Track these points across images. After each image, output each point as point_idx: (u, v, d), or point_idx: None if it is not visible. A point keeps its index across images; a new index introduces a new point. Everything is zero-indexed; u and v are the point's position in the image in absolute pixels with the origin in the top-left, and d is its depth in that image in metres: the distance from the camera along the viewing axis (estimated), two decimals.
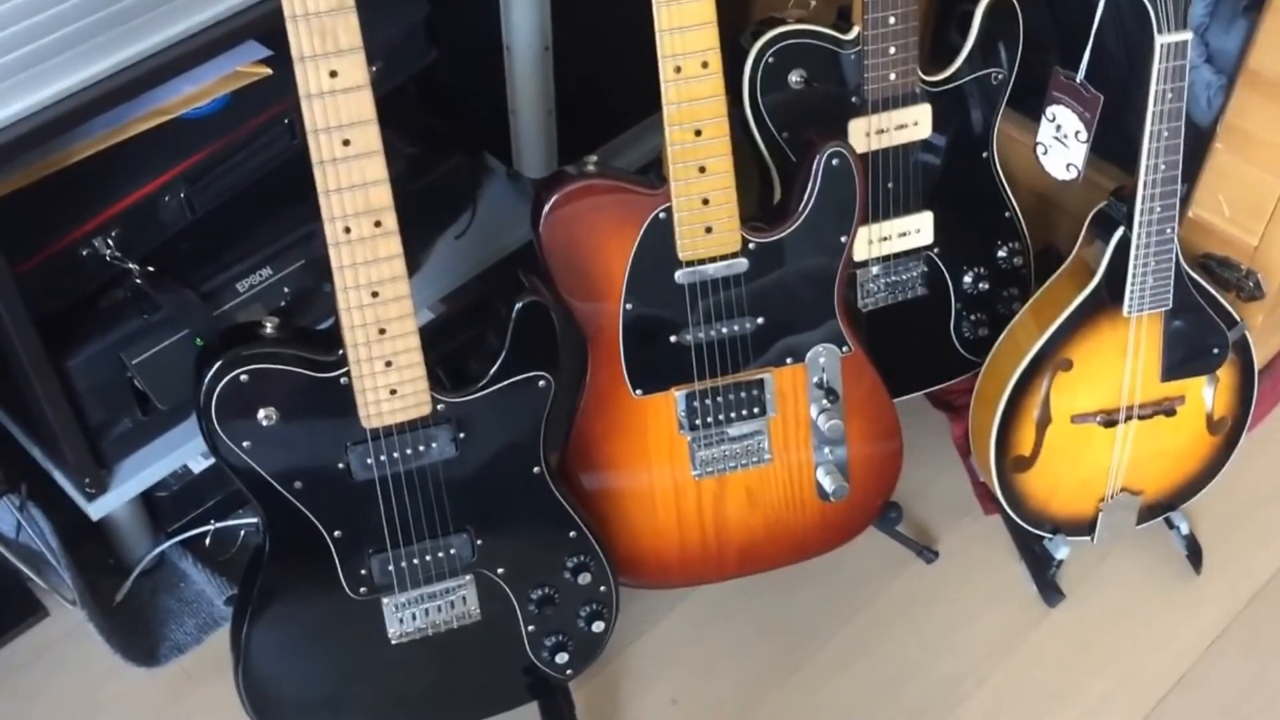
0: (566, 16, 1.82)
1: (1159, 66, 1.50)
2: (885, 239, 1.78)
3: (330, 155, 1.26)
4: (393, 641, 1.52)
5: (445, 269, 1.95)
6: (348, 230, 1.30)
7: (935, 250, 1.81)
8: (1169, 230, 1.60)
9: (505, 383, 1.42)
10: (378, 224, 1.30)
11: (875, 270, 1.80)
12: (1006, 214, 1.82)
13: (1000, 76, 1.73)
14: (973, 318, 1.87)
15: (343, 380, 1.36)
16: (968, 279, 1.84)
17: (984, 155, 1.77)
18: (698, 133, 1.45)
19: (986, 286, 1.85)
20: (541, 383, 1.43)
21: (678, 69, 1.41)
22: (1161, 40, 1.49)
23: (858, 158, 1.52)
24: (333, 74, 1.23)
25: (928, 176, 1.76)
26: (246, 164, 1.67)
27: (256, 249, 1.69)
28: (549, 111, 1.90)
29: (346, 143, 1.26)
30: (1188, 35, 1.49)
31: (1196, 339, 1.70)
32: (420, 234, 1.94)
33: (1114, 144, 1.71)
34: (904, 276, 1.81)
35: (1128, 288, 1.63)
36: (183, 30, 1.48)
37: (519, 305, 1.41)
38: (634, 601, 1.77)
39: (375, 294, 1.33)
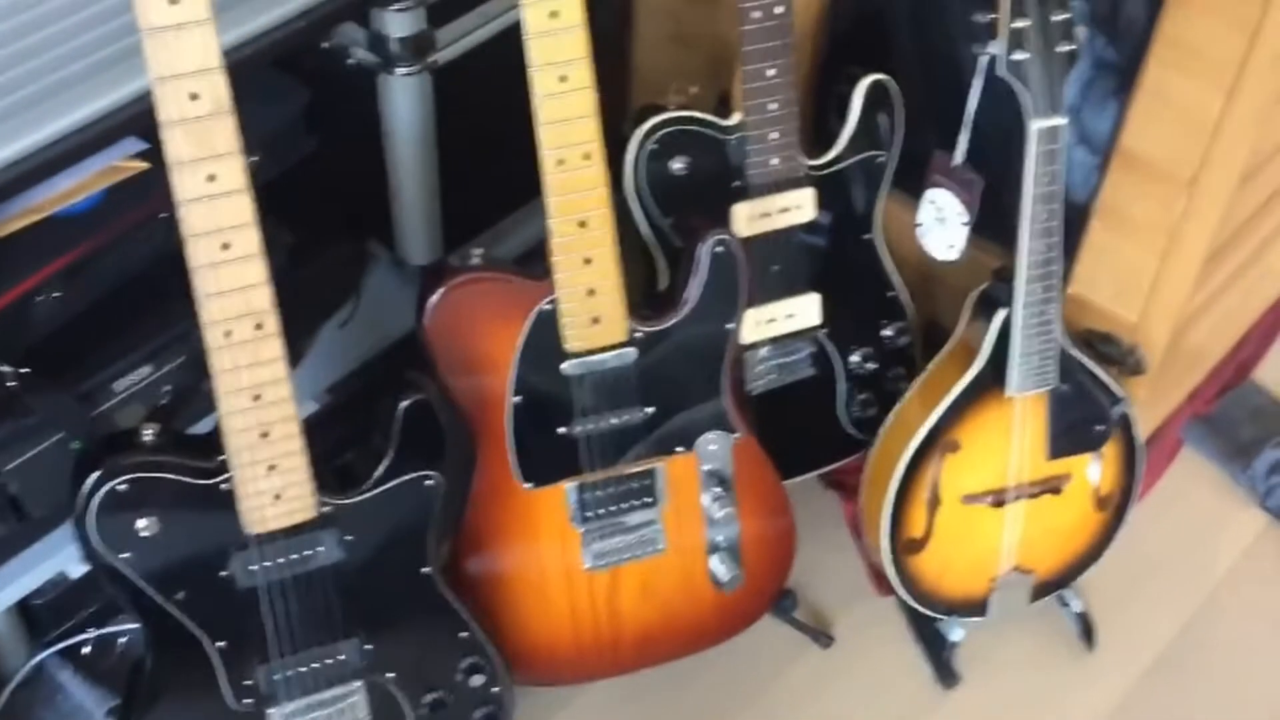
0: (449, 101, 1.80)
1: (1034, 151, 1.52)
2: (772, 321, 1.78)
3: (209, 259, 1.24)
4: None
5: (330, 359, 1.91)
6: (228, 334, 1.27)
7: (822, 331, 1.81)
8: (1050, 311, 1.62)
9: (392, 483, 1.40)
10: (259, 326, 1.28)
11: (763, 352, 1.80)
12: (890, 294, 1.84)
13: (882, 159, 1.74)
14: (861, 397, 1.88)
15: (224, 486, 1.33)
16: (854, 359, 1.85)
17: (866, 236, 1.79)
18: (582, 224, 1.44)
19: (874, 366, 1.86)
20: (429, 482, 1.41)
21: (560, 161, 1.41)
22: (1035, 125, 1.51)
23: (741, 245, 1.52)
24: (210, 178, 1.21)
25: (812, 258, 1.76)
26: (123, 261, 1.63)
27: (134, 347, 1.64)
28: (433, 197, 1.88)
29: (226, 246, 1.24)
30: (1062, 120, 1.52)
31: (1080, 416, 1.72)
32: (303, 323, 1.90)
33: (994, 221, 1.72)
34: (792, 358, 1.82)
35: (1011, 368, 1.64)
36: (58, 129, 1.43)
37: (404, 404, 1.38)
38: (527, 698, 1.73)
39: (257, 397, 1.30)
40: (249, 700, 1.44)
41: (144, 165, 1.60)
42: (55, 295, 1.57)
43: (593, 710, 1.79)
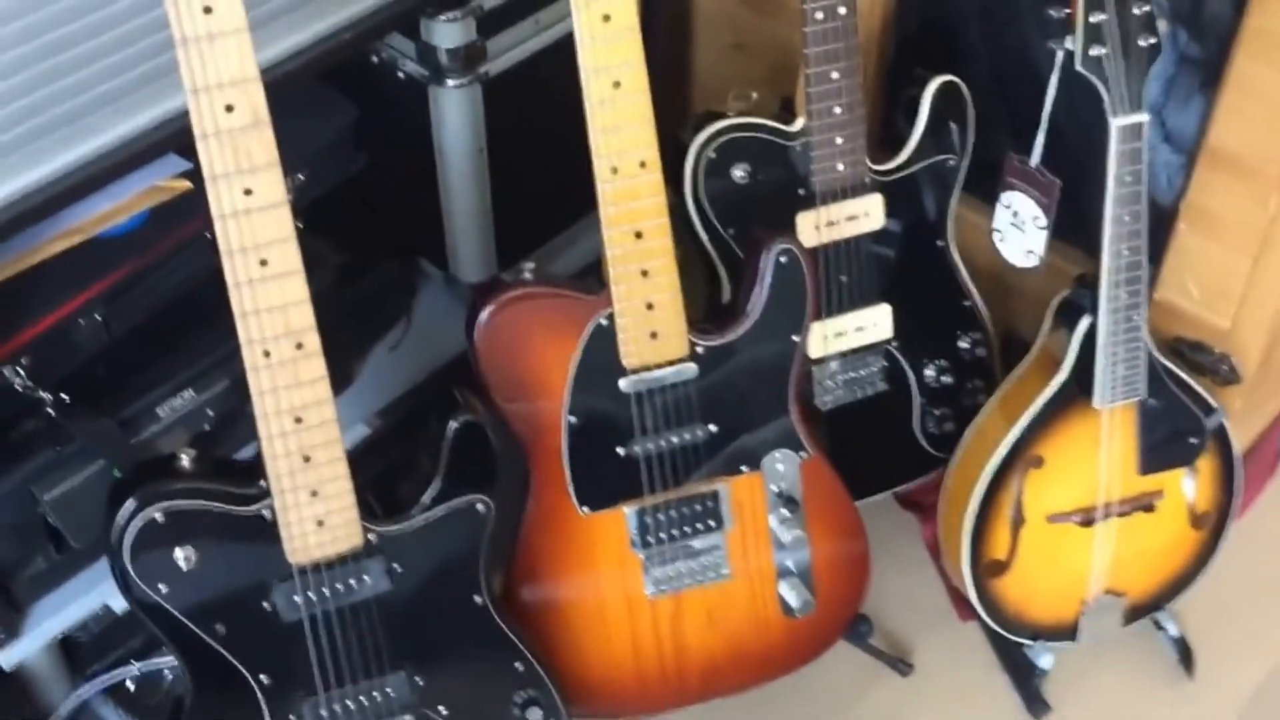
0: (501, 114, 1.74)
1: (1115, 150, 1.44)
2: (841, 335, 1.70)
3: (247, 276, 1.18)
4: None
5: (381, 382, 1.85)
6: (267, 354, 1.21)
7: (894, 344, 1.73)
8: (1137, 317, 1.53)
9: (441, 509, 1.33)
10: (299, 346, 1.22)
11: (832, 367, 1.72)
12: (966, 303, 1.75)
13: (952, 162, 1.66)
14: (937, 412, 1.79)
15: (265, 514, 1.27)
16: (929, 372, 1.77)
17: (939, 244, 1.70)
18: (638, 235, 1.37)
19: (950, 379, 1.77)
20: (480, 507, 1.34)
21: (614, 169, 1.34)
22: (1116, 123, 1.43)
23: (807, 254, 1.45)
24: (248, 192, 1.15)
25: (882, 268, 1.68)
26: (166, 282, 1.58)
27: (178, 371, 1.59)
28: (485, 213, 1.81)
29: (264, 262, 1.18)
30: (1144, 117, 1.43)
31: (1172, 428, 1.62)
32: (352, 345, 1.85)
33: (1075, 225, 1.63)
34: (863, 372, 1.73)
35: (1097, 378, 1.55)
36: (99, 146, 1.39)
37: (453, 425, 1.32)
38: None
39: (299, 420, 1.24)
40: None
41: (186, 185, 1.55)
42: (97, 318, 1.52)
43: None
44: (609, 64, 1.30)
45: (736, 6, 2.00)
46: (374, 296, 1.86)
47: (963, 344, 1.77)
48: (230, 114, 1.13)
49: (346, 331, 1.80)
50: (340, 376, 1.79)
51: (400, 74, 1.72)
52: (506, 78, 1.73)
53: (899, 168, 1.64)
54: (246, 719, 1.36)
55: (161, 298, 1.58)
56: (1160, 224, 1.71)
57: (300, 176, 1.64)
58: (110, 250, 1.53)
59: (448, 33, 1.64)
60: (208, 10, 1.09)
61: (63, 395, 1.50)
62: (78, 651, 1.67)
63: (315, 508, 1.27)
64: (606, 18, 1.29)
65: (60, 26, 1.29)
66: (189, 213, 1.55)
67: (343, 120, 1.71)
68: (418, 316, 1.91)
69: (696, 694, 1.64)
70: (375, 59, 1.74)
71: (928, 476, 1.83)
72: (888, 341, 1.72)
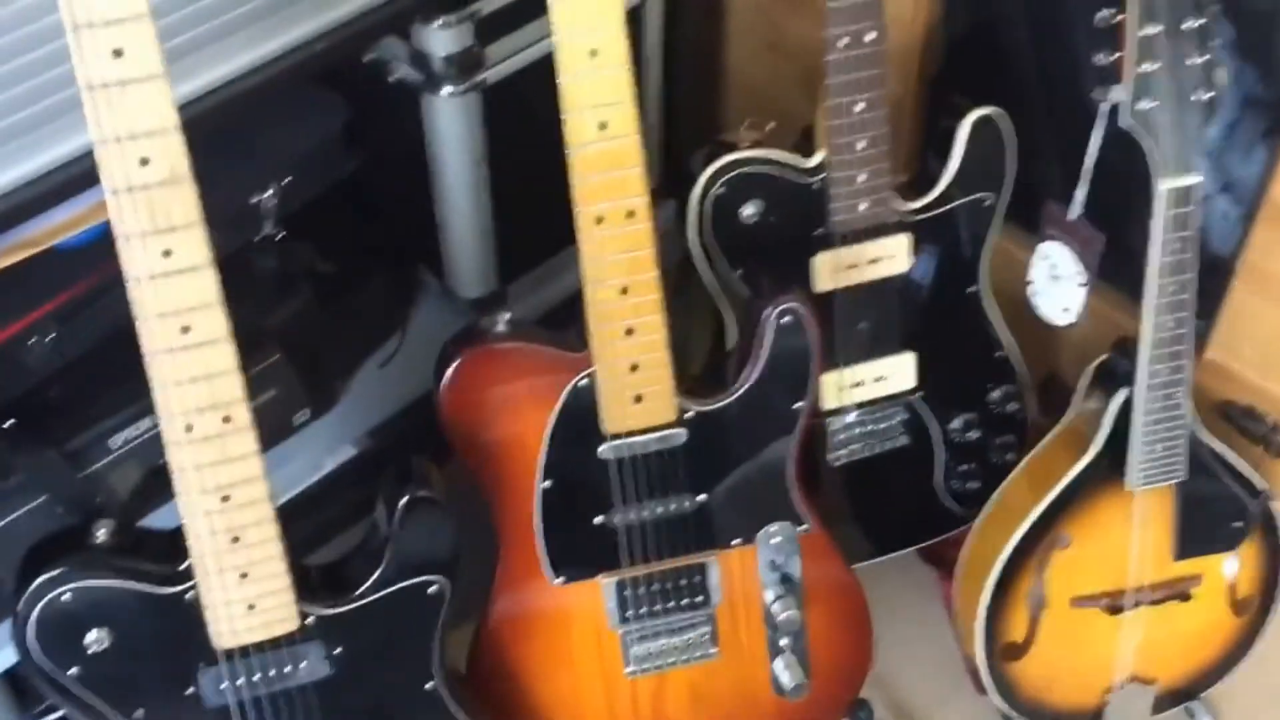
0: (502, 124, 1.60)
1: (1162, 214, 1.28)
2: (859, 385, 1.56)
3: (165, 344, 1.05)
4: None
5: (371, 399, 1.73)
6: (189, 428, 1.08)
7: (918, 395, 1.58)
8: (1179, 395, 1.38)
9: (389, 590, 1.21)
10: (226, 420, 1.09)
11: (849, 419, 1.58)
12: (999, 353, 1.60)
13: (989, 202, 1.51)
14: (962, 469, 1.65)
15: (189, 595, 1.15)
16: (955, 425, 1.62)
17: (971, 289, 1.55)
18: (624, 290, 1.23)
19: (977, 435, 1.63)
20: (433, 589, 1.22)
21: (599, 219, 1.20)
22: (1164, 185, 1.27)
23: (811, 315, 1.30)
24: (166, 253, 1.02)
25: (907, 314, 1.54)
26: (125, 301, 1.45)
27: (135, 398, 1.47)
28: (485, 227, 1.68)
29: (185, 329, 1.05)
30: (1197, 179, 1.27)
31: (1214, 512, 1.47)
32: (341, 360, 1.73)
33: (1126, 272, 1.47)
34: (882, 425, 1.59)
35: (1131, 459, 1.40)
36: (57, 157, 1.28)
37: (404, 501, 1.19)
38: None
39: (226, 498, 1.12)
40: None
41: None
42: (49, 338, 1.41)
43: None
44: (594, 104, 1.16)
45: (771, 3, 1.84)
46: (366, 308, 1.74)
47: (993, 396, 1.62)
48: (146, 168, 1.00)
49: (335, 345, 1.69)
50: (324, 395, 1.69)
51: (392, 78, 1.57)
52: (507, 85, 1.59)
53: (930, 205, 1.49)
54: None
55: (120, 317, 1.44)
56: (1215, 276, 1.55)
57: (285, 180, 1.53)
58: (66, 264, 1.42)
59: (442, 39, 1.51)
60: (118, 54, 0.96)
61: (8, 421, 1.40)
62: (23, 686, 1.57)
63: (245, 590, 1.16)
64: (594, 53, 1.15)
65: (19, 27, 1.18)
66: None
67: (333, 122, 1.59)
68: (413, 331, 1.78)
69: None
70: (367, 59, 1.59)
71: (950, 534, 1.68)
72: (910, 393, 1.58)
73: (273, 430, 1.60)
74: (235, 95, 1.34)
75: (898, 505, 1.67)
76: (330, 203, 1.66)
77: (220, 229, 1.50)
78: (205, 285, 1.05)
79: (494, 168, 1.64)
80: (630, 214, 1.21)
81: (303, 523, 1.55)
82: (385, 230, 1.78)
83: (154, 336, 1.06)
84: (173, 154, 1.01)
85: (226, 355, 1.07)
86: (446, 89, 1.54)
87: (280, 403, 1.58)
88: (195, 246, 1.04)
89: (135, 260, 1.03)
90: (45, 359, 1.42)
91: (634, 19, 1.71)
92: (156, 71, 0.98)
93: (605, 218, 1.20)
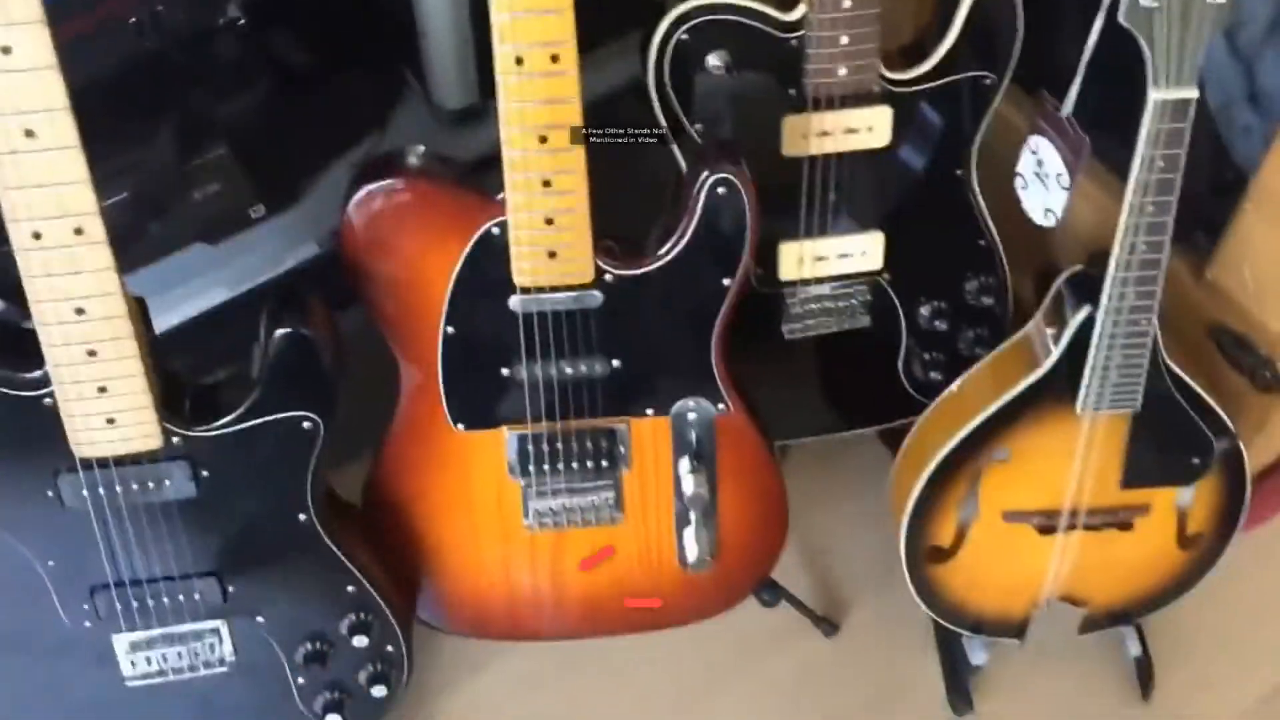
0: None
1: (1149, 127, 1.16)
2: (821, 259, 1.46)
3: (9, 147, 1.00)
4: (129, 683, 1.31)
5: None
6: (37, 235, 1.04)
7: (885, 277, 1.49)
8: (1145, 322, 1.27)
9: (258, 420, 1.17)
10: (78, 231, 1.04)
11: (807, 293, 1.49)
12: (981, 242, 1.49)
13: (989, 81, 1.39)
14: (927, 357, 1.56)
15: (46, 401, 1.12)
16: (924, 312, 1.53)
17: (958, 172, 1.44)
18: (543, 139, 1.15)
19: (945, 324, 1.53)
20: (306, 424, 1.18)
21: (518, 60, 1.11)
22: (1156, 96, 1.15)
23: (752, 187, 1.21)
24: (5, 50, 0.96)
25: (882, 191, 1.44)
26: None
27: None
28: (464, 36, 1.59)
29: (30, 133, 0.99)
30: (1193, 93, 1.15)
31: (1171, 445, 1.38)
32: (310, 155, 1.66)
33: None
34: (843, 304, 1.50)
35: (1084, 382, 1.31)
36: None
37: (279, 334, 1.14)
38: (457, 646, 1.52)
39: (80, 310, 1.07)
40: (88, 624, 1.26)
41: None
42: None
43: (529, 673, 1.56)
44: None
45: None
46: (338, 106, 1.67)
47: (969, 286, 1.52)
48: None
49: (294, 142, 1.63)
50: (281, 192, 1.64)
51: None
52: None
53: (920, 79, 1.38)
54: (34, 601, 1.24)
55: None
56: (1229, 192, 1.43)
57: None
58: None
59: None
60: None
61: None
62: None
63: (103, 404, 1.12)
64: None
65: None
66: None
67: None
68: (395, 134, 1.71)
69: (574, 629, 1.50)
70: None
71: (910, 419, 1.60)
72: (876, 274, 1.48)
73: (220, 222, 1.55)
74: None
75: (857, 385, 1.60)
76: None
77: (177, 7, 1.46)
78: (50, 87, 0.98)
79: None
80: (554, 58, 1.12)
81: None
82: (369, 29, 1.70)
83: None
84: None
85: (75, 165, 1.02)
86: None
87: (225, 196, 1.52)
88: (38, 45, 0.97)
89: None
90: None
91: None
92: None
93: (525, 59, 1.11)
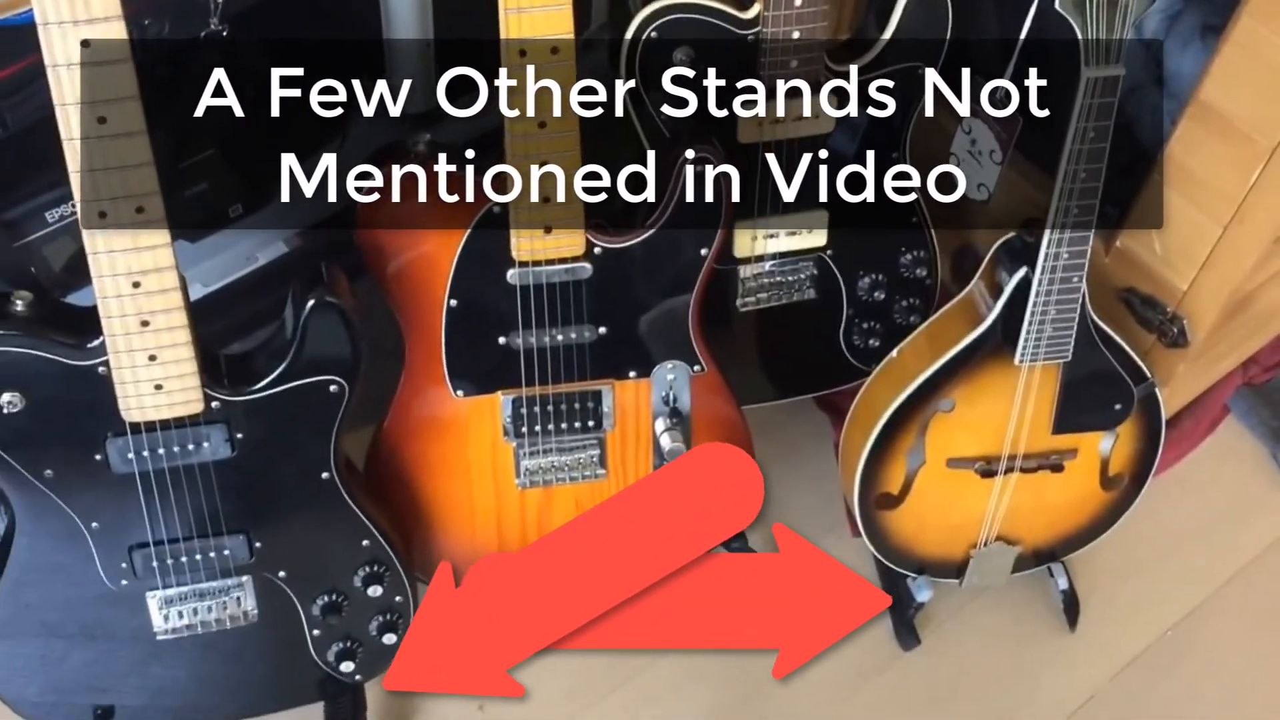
0: None
1: (1082, 102, 1.32)
2: (772, 236, 1.61)
3: (83, 133, 1.10)
4: (158, 637, 1.40)
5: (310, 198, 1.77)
6: (103, 215, 1.14)
7: (828, 252, 1.64)
8: (1076, 279, 1.43)
9: (290, 385, 1.28)
10: (139, 210, 1.14)
11: (758, 269, 1.63)
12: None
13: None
14: (865, 326, 1.71)
15: (100, 370, 1.22)
16: (863, 284, 1.68)
17: (894, 155, 1.59)
18: (542, 125, 1.28)
19: (883, 295, 1.68)
20: (334, 388, 1.29)
21: (522, 52, 1.24)
22: (1088, 74, 1.31)
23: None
24: (85, 44, 1.06)
25: (828, 173, 1.58)
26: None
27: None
28: (426, 44, 1.70)
29: (102, 120, 1.10)
30: (1120, 71, 1.31)
31: (1097, 393, 1.54)
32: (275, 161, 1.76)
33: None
34: (791, 278, 1.65)
35: (1022, 336, 1.47)
36: None
37: (310, 304, 1.25)
38: None
39: (137, 284, 1.18)
40: (125, 582, 1.35)
41: None
42: None
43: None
44: None
45: None
46: (305, 112, 1.77)
47: (903, 259, 1.67)
48: None
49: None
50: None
51: None
52: None
53: (862, 69, 1.52)
54: (76, 562, 1.33)
55: None
56: (1138, 166, 1.60)
57: None
58: (11, 39, 1.44)
59: None
60: None
61: None
62: None
63: (153, 371, 1.22)
64: None
65: None
66: None
67: None
68: (355, 139, 1.81)
69: None
70: None
71: (847, 385, 1.75)
72: (821, 249, 1.63)
73: (205, 220, 1.65)
74: None
75: (801, 354, 1.74)
76: (279, 8, 1.69)
77: (167, 20, 1.55)
78: (123, 78, 1.09)
79: None
80: (555, 50, 1.24)
81: (235, 309, 1.62)
82: (332, 39, 1.80)
83: (69, 124, 1.10)
84: None
85: (141, 149, 1.12)
86: None
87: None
88: (114, 39, 1.07)
89: (54, 48, 1.07)
90: None
91: None
92: None
93: (530, 51, 1.24)
